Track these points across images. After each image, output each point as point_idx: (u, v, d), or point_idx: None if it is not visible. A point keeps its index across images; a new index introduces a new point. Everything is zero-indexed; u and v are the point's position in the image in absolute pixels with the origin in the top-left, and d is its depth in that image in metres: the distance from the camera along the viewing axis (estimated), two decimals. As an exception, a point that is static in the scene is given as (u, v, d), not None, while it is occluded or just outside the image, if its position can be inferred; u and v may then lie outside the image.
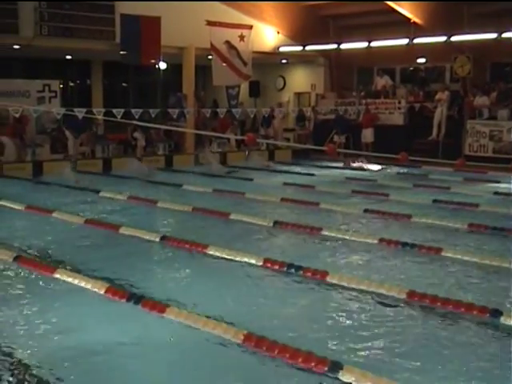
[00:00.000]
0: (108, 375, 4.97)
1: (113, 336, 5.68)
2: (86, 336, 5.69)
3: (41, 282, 7.22)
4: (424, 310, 6.40)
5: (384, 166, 18.59)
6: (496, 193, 13.81)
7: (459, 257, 8.33)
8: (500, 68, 22.30)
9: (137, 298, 6.36)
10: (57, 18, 18.77)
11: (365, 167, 18.68)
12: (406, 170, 17.61)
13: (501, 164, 17.09)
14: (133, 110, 18.65)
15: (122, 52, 19.87)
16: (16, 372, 4.95)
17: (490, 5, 19.42)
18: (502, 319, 6.02)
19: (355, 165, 19.00)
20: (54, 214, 11.08)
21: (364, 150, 20.43)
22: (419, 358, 5.28)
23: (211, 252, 8.47)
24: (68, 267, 7.66)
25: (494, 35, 19.70)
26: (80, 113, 17.65)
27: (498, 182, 15.44)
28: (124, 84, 28.01)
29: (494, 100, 20.14)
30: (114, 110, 18.01)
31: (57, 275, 7.29)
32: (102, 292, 6.65)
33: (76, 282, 7.02)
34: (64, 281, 7.13)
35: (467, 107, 20.31)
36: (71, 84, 26.36)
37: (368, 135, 21.37)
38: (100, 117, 18.64)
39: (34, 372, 4.96)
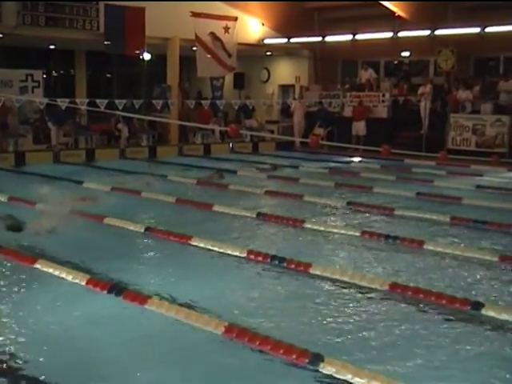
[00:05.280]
0: (88, 366, 4.96)
1: (93, 327, 5.67)
2: (65, 327, 5.68)
3: (22, 273, 7.16)
4: (406, 301, 6.43)
5: (365, 159, 18.65)
6: (478, 186, 13.88)
7: (441, 249, 8.37)
8: (483, 62, 22.42)
9: (118, 290, 6.33)
10: (40, 7, 18.60)
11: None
12: (389, 163, 17.63)
13: (483, 158, 17.18)
14: (116, 101, 18.61)
15: (106, 42, 19.75)
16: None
17: (474, -1, 19.56)
18: (483, 311, 6.07)
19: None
20: (38, 205, 11.00)
21: (354, 142, 20.49)
22: (400, 349, 5.31)
23: (195, 243, 8.46)
24: (50, 258, 7.60)
25: (477, 29, 19.78)
26: (63, 103, 17.55)
27: (481, 175, 15.54)
28: (108, 74, 27.83)
29: (476, 94, 20.24)
30: (98, 101, 17.96)
31: (38, 266, 7.25)
32: (83, 283, 6.62)
33: (57, 272, 6.97)
34: (45, 272, 7.09)
35: (450, 101, 20.41)
36: (54, 74, 26.16)
37: (361, 128, 21.43)
38: (83, 107, 18.58)
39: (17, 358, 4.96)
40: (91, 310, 6.07)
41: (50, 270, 7.07)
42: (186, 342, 5.40)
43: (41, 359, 5.02)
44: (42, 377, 4.71)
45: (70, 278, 6.81)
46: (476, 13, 19.69)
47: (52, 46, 23.56)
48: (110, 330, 5.62)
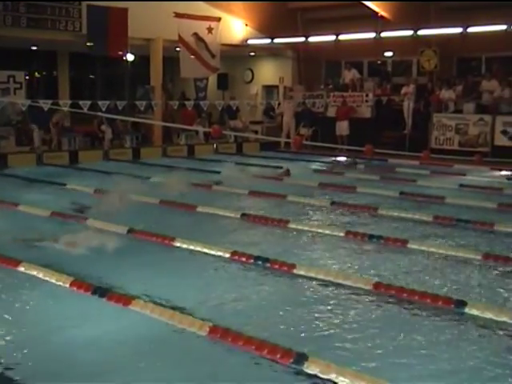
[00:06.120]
0: (72, 367, 4.93)
1: (77, 329, 5.64)
2: (51, 329, 5.65)
3: (4, 275, 7.12)
4: (390, 301, 6.44)
5: (351, 159, 18.66)
6: (461, 185, 13.94)
7: (425, 249, 8.41)
8: (466, 62, 22.55)
9: (102, 291, 6.30)
10: (21, 7, 18.43)
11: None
12: (372, 163, 17.66)
13: (466, 157, 17.28)
14: (100, 102, 18.52)
15: (88, 43, 19.65)
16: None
17: (456, -1, 19.68)
18: (467, 310, 6.10)
19: None
20: (20, 207, 10.93)
21: (339, 142, 20.55)
22: (383, 349, 5.32)
23: (178, 244, 8.45)
24: (33, 260, 7.54)
25: (459, 30, 19.91)
26: (46, 104, 17.44)
27: (464, 174, 15.60)
28: (91, 76, 27.73)
29: (459, 94, 20.35)
30: (81, 102, 17.86)
31: (21, 268, 7.20)
32: (67, 285, 6.58)
33: (41, 275, 6.94)
34: (29, 274, 7.04)
35: (433, 101, 20.50)
36: (37, 75, 26.02)
37: (344, 128, 21.47)
38: (66, 108, 18.47)
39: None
40: (74, 312, 6.05)
41: (34, 273, 7.03)
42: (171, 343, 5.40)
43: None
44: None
45: (53, 279, 6.77)
46: (458, 13, 19.81)
47: (34, 47, 23.42)
48: (93, 331, 5.60)
